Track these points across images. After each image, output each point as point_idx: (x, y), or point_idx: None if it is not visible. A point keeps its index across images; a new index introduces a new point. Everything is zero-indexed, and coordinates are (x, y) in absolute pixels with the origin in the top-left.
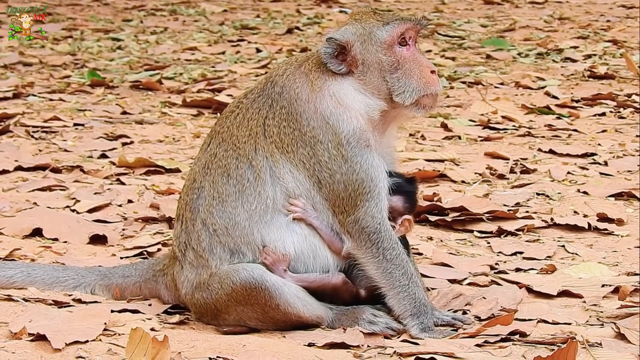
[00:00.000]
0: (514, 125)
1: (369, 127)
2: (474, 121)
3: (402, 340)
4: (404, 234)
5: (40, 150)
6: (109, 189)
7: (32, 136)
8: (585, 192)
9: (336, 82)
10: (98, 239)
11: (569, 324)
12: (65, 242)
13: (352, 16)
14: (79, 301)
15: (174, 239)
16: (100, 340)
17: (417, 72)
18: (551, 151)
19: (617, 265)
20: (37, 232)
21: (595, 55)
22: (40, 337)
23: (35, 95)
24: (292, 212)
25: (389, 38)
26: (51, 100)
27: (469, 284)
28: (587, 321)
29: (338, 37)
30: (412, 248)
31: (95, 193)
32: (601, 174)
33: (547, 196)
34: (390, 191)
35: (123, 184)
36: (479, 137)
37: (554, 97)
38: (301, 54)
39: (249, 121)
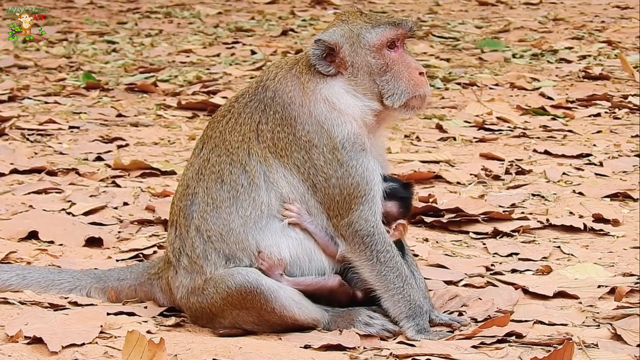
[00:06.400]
0: (509, 126)
1: (364, 131)
2: (469, 122)
3: (398, 342)
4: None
5: (35, 153)
6: (104, 192)
7: (28, 139)
8: (580, 193)
9: (327, 84)
10: (94, 242)
11: (565, 325)
12: (61, 244)
13: (338, 17)
14: (75, 304)
15: (168, 245)
16: (96, 343)
17: (405, 75)
18: (546, 152)
19: (613, 266)
20: (32, 235)
21: (590, 56)
22: (37, 340)
23: (30, 98)
24: (287, 216)
25: (378, 42)
26: (46, 103)
27: (465, 285)
28: (584, 322)
29: (326, 38)
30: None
31: (91, 196)
32: (596, 174)
33: (543, 197)
34: (385, 196)
35: (118, 186)
36: (474, 138)
37: (549, 98)
38: (291, 57)
39: (242, 126)
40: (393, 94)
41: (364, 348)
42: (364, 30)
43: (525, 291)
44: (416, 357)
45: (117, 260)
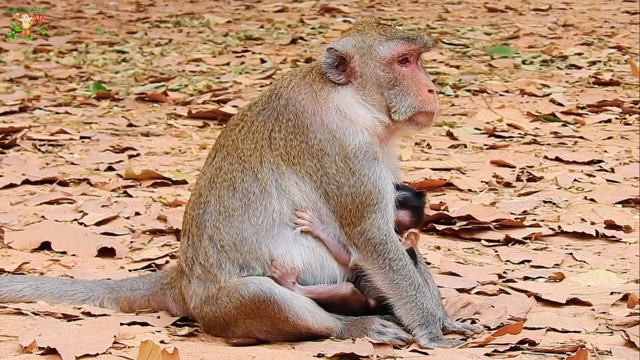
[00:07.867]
0: (519, 133)
1: (375, 140)
2: (479, 129)
3: (412, 350)
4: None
5: (47, 164)
6: (116, 202)
7: (39, 150)
8: (592, 200)
9: (339, 93)
10: (106, 252)
11: (578, 332)
12: (74, 255)
13: (355, 26)
14: (88, 314)
15: (181, 254)
16: (110, 353)
17: (414, 90)
18: (557, 159)
19: (625, 272)
20: (45, 246)
21: (599, 61)
22: (51, 351)
23: (41, 109)
24: (300, 224)
25: (389, 55)
26: (57, 113)
27: (478, 292)
28: (597, 329)
29: (338, 47)
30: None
31: (103, 206)
32: (608, 180)
33: (554, 204)
34: (397, 204)
35: (130, 196)
36: (485, 145)
37: (559, 104)
38: (305, 65)
39: (254, 134)
40: (399, 108)
41: (377, 356)
42: (376, 43)
43: (538, 298)
44: None
45: (129, 271)
